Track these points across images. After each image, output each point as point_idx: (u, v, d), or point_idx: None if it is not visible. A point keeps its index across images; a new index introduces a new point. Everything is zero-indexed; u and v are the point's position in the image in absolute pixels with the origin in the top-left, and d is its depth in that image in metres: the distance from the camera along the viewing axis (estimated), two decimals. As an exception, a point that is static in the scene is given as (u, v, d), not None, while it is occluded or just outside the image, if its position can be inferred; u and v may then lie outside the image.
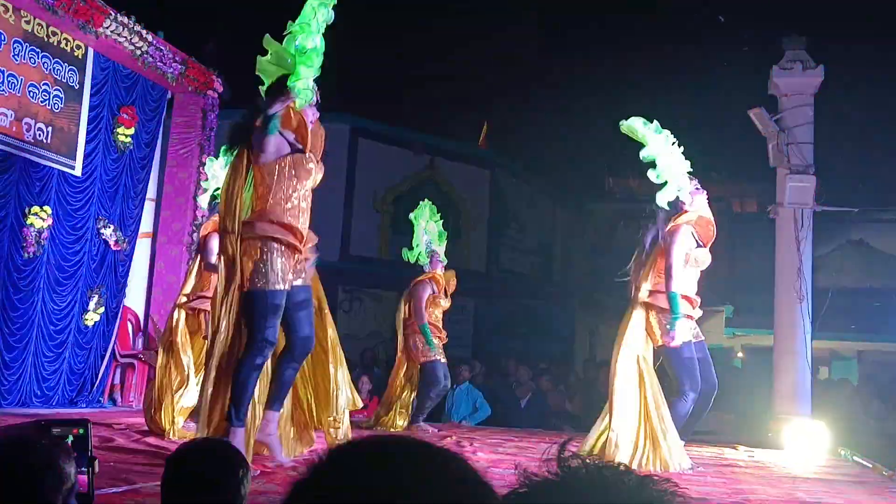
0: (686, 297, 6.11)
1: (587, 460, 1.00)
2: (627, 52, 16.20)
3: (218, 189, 6.66)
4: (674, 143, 6.19)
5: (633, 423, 5.87)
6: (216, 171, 6.64)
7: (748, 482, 5.67)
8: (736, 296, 14.58)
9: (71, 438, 2.51)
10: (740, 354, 16.01)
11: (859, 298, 13.86)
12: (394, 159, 14.85)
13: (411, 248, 8.47)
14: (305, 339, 5.08)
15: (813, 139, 9.24)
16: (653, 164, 6.20)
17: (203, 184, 6.95)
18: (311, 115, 5.07)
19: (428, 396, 8.16)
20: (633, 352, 5.99)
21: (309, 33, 4.99)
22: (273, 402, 5.08)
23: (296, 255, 4.99)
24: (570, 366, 14.53)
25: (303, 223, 5.01)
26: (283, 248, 4.90)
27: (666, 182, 6.13)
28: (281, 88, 4.93)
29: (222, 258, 4.98)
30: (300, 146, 5.01)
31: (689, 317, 6.14)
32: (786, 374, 9.02)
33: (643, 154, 6.20)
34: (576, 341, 17.40)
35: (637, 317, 6.08)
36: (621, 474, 0.98)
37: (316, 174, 5.09)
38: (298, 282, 5.03)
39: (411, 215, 8.61)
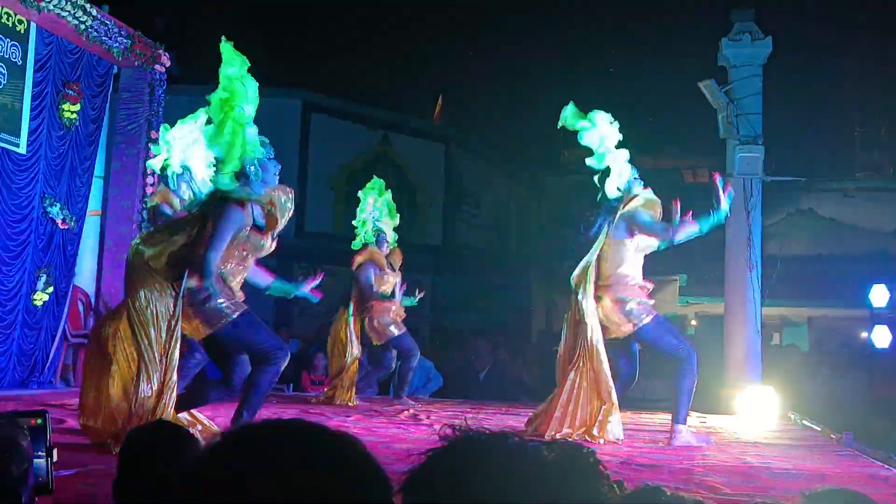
0: (640, 287, 6.04)
1: (467, 428, 1.04)
2: (580, 25, 16.23)
3: (168, 159, 6.59)
4: (614, 127, 6.14)
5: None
6: (171, 137, 6.51)
7: (699, 448, 5.78)
8: (689, 264, 14.74)
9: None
10: (693, 322, 16.25)
11: (809, 265, 14.11)
12: (347, 135, 14.74)
13: (355, 228, 8.54)
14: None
15: (762, 110, 9.36)
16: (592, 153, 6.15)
17: (153, 149, 6.81)
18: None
19: (409, 367, 8.24)
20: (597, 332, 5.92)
21: (243, 101, 4.94)
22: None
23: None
24: (528, 338, 14.64)
25: (235, 284, 5.08)
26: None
27: (608, 168, 6.11)
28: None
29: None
30: (262, 222, 5.01)
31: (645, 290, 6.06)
32: (737, 342, 9.18)
33: (585, 140, 6.17)
34: (533, 314, 17.52)
35: (591, 306, 5.93)
36: (501, 437, 1.01)
37: (269, 248, 5.13)
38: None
39: (360, 193, 8.63)
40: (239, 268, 5.07)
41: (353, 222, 8.62)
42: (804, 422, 7.57)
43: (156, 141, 7.04)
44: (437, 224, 15.78)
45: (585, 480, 1.01)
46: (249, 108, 4.96)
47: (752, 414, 7.98)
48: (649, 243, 6.09)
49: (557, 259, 16.64)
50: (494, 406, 8.36)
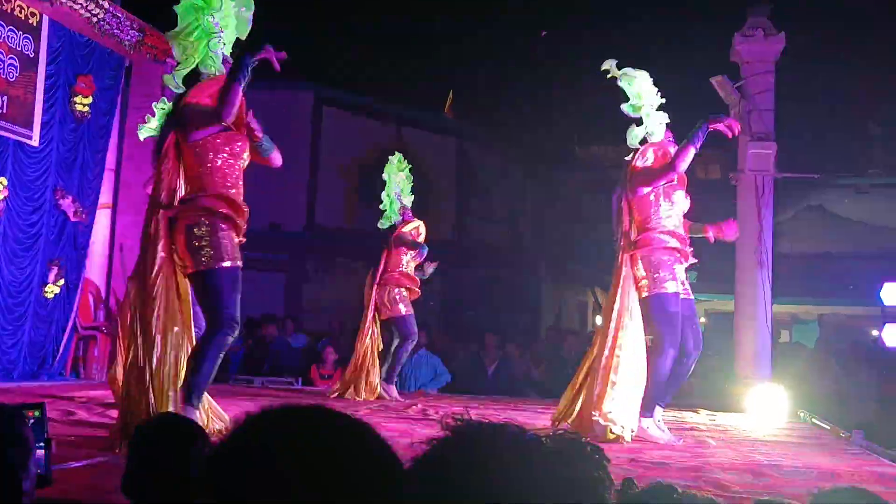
0: (675, 234, 5.97)
1: (467, 418, 1.07)
2: (592, 20, 16.17)
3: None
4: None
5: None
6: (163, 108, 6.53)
7: (708, 445, 5.77)
8: (699, 261, 14.70)
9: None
10: (703, 319, 16.18)
11: (819, 263, 14.04)
12: (359, 128, 14.74)
13: (382, 213, 8.51)
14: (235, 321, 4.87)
15: (774, 106, 9.31)
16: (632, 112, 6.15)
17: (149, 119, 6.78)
18: None
19: (404, 350, 8.20)
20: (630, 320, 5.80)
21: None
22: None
23: (239, 233, 4.94)
24: (537, 334, 14.62)
25: (241, 201, 4.94)
26: (227, 224, 4.82)
27: (641, 120, 6.08)
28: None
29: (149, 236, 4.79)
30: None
31: (679, 252, 6.00)
32: (746, 339, 9.15)
33: (630, 91, 6.12)
34: (543, 310, 17.50)
35: (625, 271, 5.86)
36: (501, 427, 1.04)
37: (245, 153, 5.01)
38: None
39: (384, 175, 8.62)
40: (238, 180, 4.91)
41: (381, 206, 8.58)
42: (814, 420, 7.55)
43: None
44: (449, 218, 15.76)
45: (583, 469, 1.03)
46: (216, 19, 4.94)
47: (762, 412, 7.95)
48: (675, 200, 6.01)
49: (570, 256, 16.63)
50: (502, 402, 8.36)
